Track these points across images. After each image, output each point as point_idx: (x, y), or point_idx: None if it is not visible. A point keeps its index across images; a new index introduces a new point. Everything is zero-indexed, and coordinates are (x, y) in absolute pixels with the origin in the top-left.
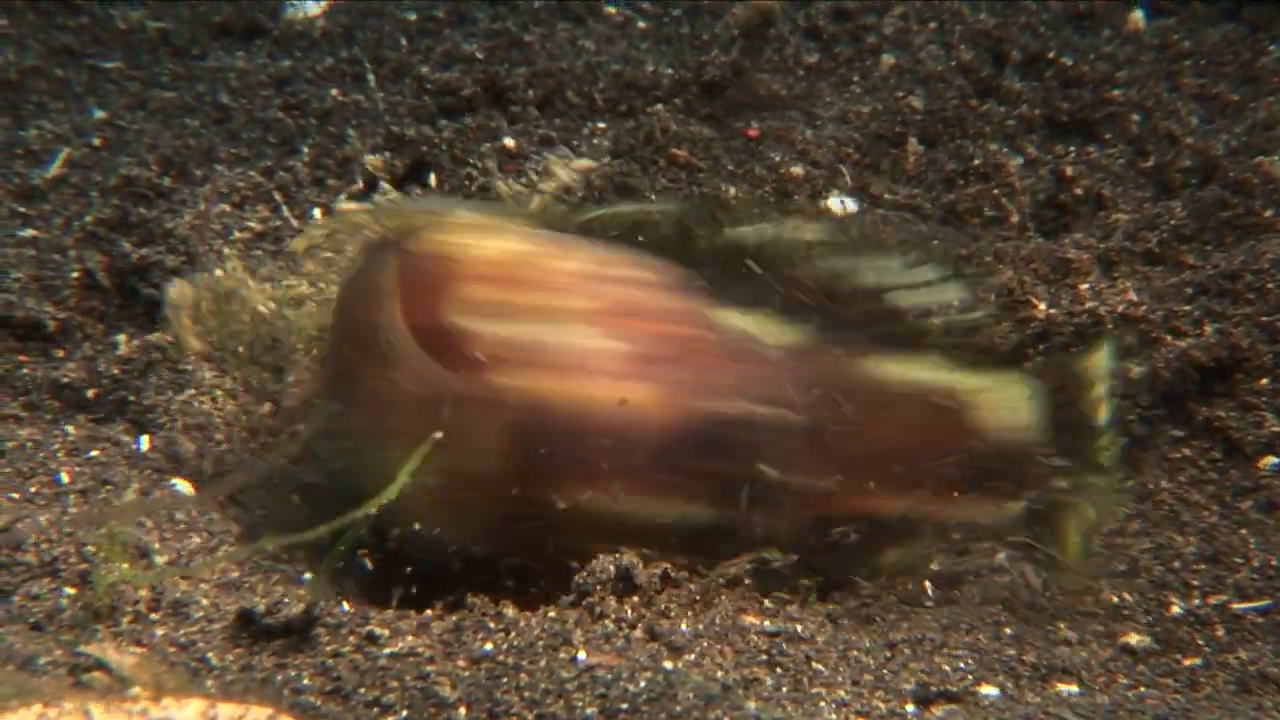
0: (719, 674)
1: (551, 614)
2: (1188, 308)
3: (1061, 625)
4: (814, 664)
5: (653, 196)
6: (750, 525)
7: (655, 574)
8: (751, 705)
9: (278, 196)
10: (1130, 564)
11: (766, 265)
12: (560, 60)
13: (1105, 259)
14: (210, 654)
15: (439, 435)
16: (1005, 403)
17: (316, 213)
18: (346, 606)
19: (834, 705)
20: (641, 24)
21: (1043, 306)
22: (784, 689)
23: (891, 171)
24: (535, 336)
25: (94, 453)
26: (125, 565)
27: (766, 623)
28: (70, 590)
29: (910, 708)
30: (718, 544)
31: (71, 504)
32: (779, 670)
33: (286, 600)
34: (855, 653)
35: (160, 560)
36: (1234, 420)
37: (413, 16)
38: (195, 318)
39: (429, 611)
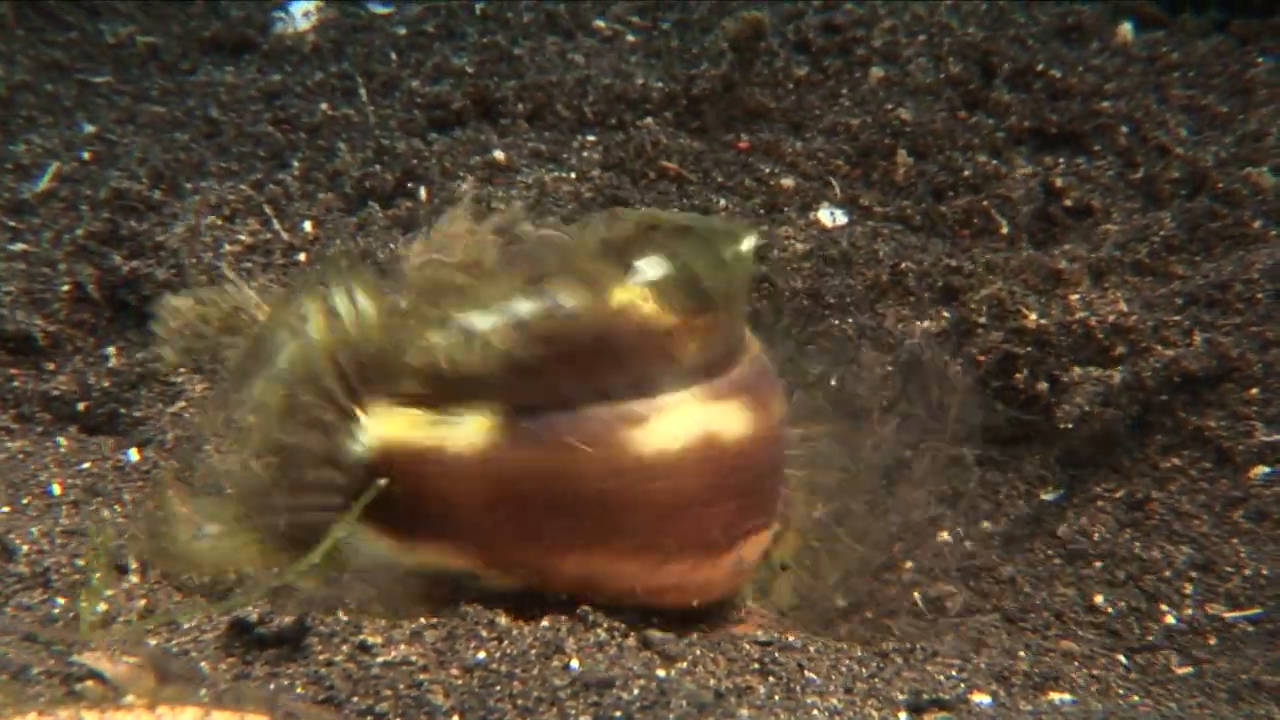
0: (712, 682)
1: (545, 623)
2: (1177, 318)
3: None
4: (806, 672)
5: None
6: None
7: None
8: (744, 713)
9: (268, 210)
10: (1124, 573)
11: None
12: (550, 74)
13: (1096, 269)
14: (203, 663)
15: (383, 482)
16: None
17: (307, 225)
18: (342, 615)
19: (827, 713)
20: (631, 37)
21: (1034, 317)
22: (777, 697)
23: (881, 183)
24: None
25: (85, 464)
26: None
27: (759, 632)
28: (62, 600)
29: (903, 716)
30: None
31: (63, 515)
32: (771, 679)
33: (276, 612)
34: (847, 661)
35: (135, 579)
36: (1224, 430)
37: (402, 31)
38: (187, 330)
39: (421, 620)
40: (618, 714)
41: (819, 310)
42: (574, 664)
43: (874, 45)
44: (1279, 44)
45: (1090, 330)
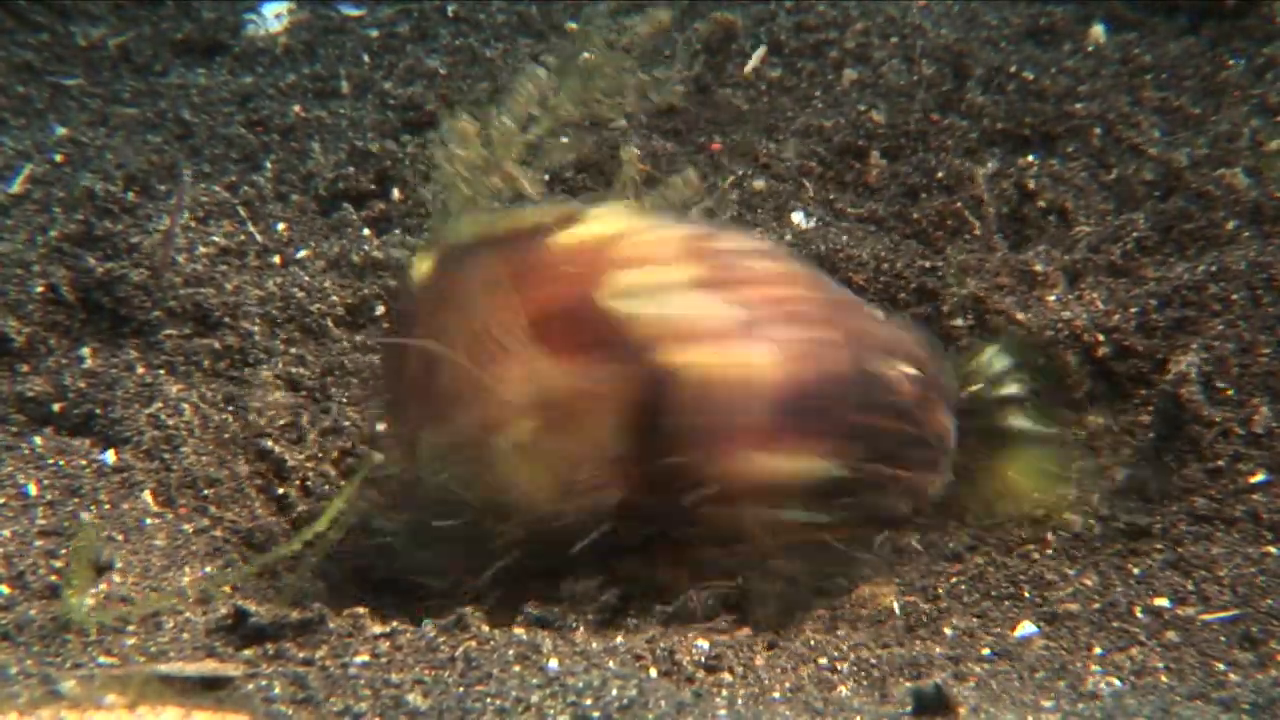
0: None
1: (522, 626)
2: (1154, 318)
3: None
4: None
5: None
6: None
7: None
8: (723, 713)
9: (242, 211)
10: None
11: None
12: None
13: (1070, 271)
14: (180, 663)
15: (379, 457)
16: None
17: (280, 227)
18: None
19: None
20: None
21: (1020, 315)
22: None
23: (854, 185)
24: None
25: (61, 465)
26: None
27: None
28: (39, 601)
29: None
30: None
31: (39, 516)
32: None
33: (258, 610)
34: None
35: (121, 579)
36: None
37: (375, 33)
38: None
39: (395, 623)
40: (596, 715)
41: None
42: (552, 664)
43: (846, 47)
44: (1250, 46)
45: (1076, 331)
